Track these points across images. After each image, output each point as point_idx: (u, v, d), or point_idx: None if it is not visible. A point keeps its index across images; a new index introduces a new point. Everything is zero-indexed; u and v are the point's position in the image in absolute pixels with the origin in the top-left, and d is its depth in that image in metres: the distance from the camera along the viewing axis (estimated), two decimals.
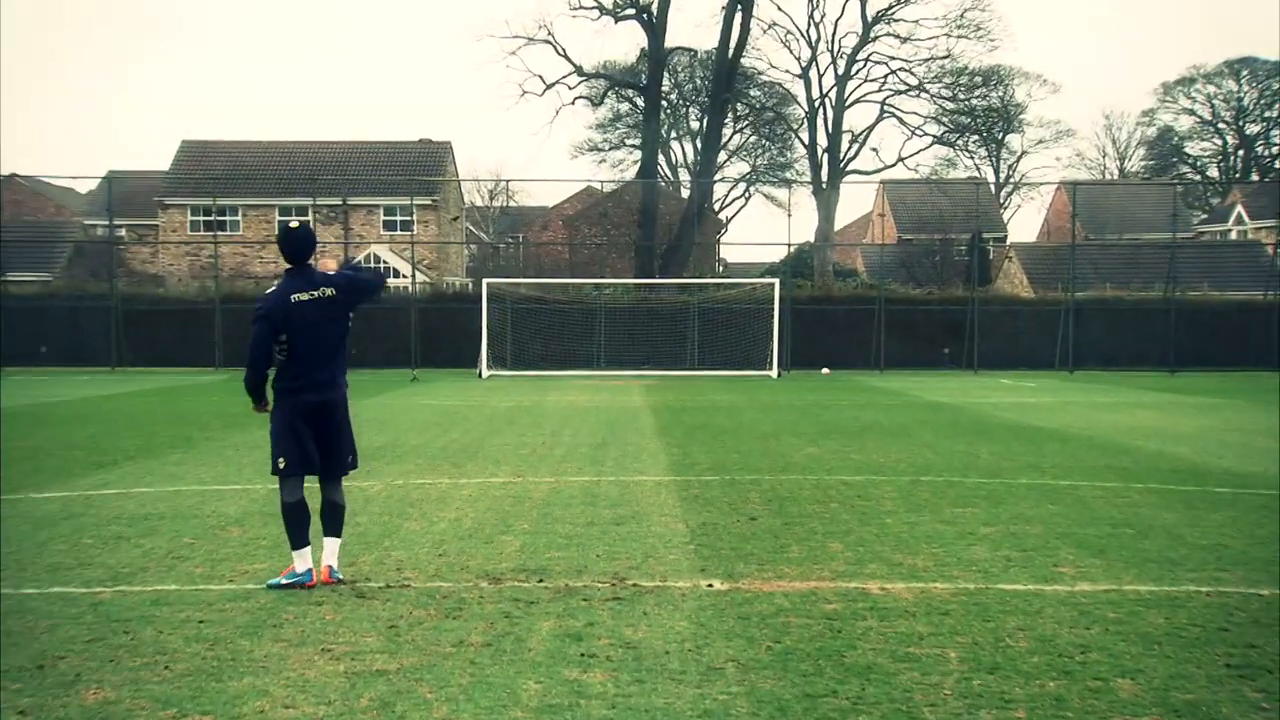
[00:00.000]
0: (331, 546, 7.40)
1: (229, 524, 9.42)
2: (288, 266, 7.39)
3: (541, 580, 7.44)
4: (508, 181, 55.14)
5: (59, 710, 5.07)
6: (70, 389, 27.20)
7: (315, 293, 7.32)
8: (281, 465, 7.26)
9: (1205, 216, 65.91)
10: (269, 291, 7.35)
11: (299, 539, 7.22)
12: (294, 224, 7.45)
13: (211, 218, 46.17)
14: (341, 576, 7.39)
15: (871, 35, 55.75)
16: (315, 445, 7.31)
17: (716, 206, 74.72)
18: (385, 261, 48.84)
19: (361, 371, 36.85)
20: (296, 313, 7.21)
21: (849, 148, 57.65)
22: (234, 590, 7.18)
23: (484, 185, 72.83)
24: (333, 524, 7.44)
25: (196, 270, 48.76)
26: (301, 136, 57.01)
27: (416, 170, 52.60)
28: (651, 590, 7.21)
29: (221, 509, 10.13)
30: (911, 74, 55.94)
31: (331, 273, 7.37)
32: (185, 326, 38.86)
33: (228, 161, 52.39)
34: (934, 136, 57.51)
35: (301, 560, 7.20)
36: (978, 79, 56.70)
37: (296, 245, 7.36)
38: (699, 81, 63.48)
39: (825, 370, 37.29)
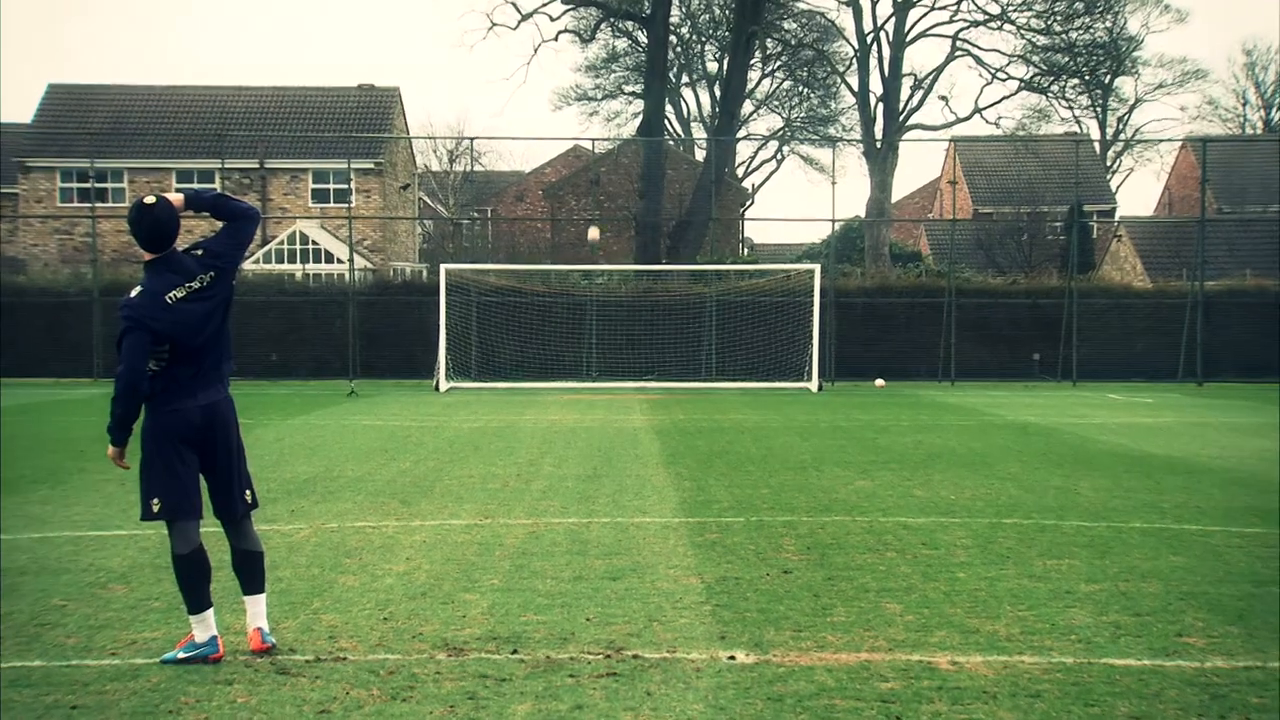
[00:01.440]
0: (256, 606, 7.39)
1: (111, 580, 9.42)
2: (149, 257, 7.13)
3: (515, 651, 7.43)
4: (472, 140, 55.25)
5: None
6: None
7: (193, 284, 7.12)
8: (155, 508, 7.19)
9: None
10: (133, 295, 7.08)
11: (196, 601, 7.20)
12: (150, 199, 7.10)
13: (88, 185, 46.27)
14: (275, 641, 7.38)
15: None
16: (201, 475, 7.27)
17: (740, 172, 74.98)
18: (315, 241, 48.93)
19: (285, 384, 36.95)
20: (178, 315, 7.03)
21: (911, 96, 57.77)
22: (117, 667, 7.17)
23: (442, 145, 73.11)
24: (251, 579, 7.44)
25: (69, 253, 48.88)
26: (206, 80, 57.18)
27: (355, 125, 52.68)
28: (657, 664, 7.19)
29: (101, 561, 10.12)
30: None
31: (204, 241, 7.22)
32: (54, 326, 38.91)
33: (109, 112, 52.52)
34: (1021, 81, 57.62)
35: (202, 627, 7.18)
36: (1078, 5, 56.70)
37: (157, 229, 7.05)
38: (718, 11, 63.62)
39: (879, 382, 37.32)
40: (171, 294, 7.07)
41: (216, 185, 47.77)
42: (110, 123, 51.37)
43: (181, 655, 7.15)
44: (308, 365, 39.21)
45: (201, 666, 7.11)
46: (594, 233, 33.25)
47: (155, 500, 7.25)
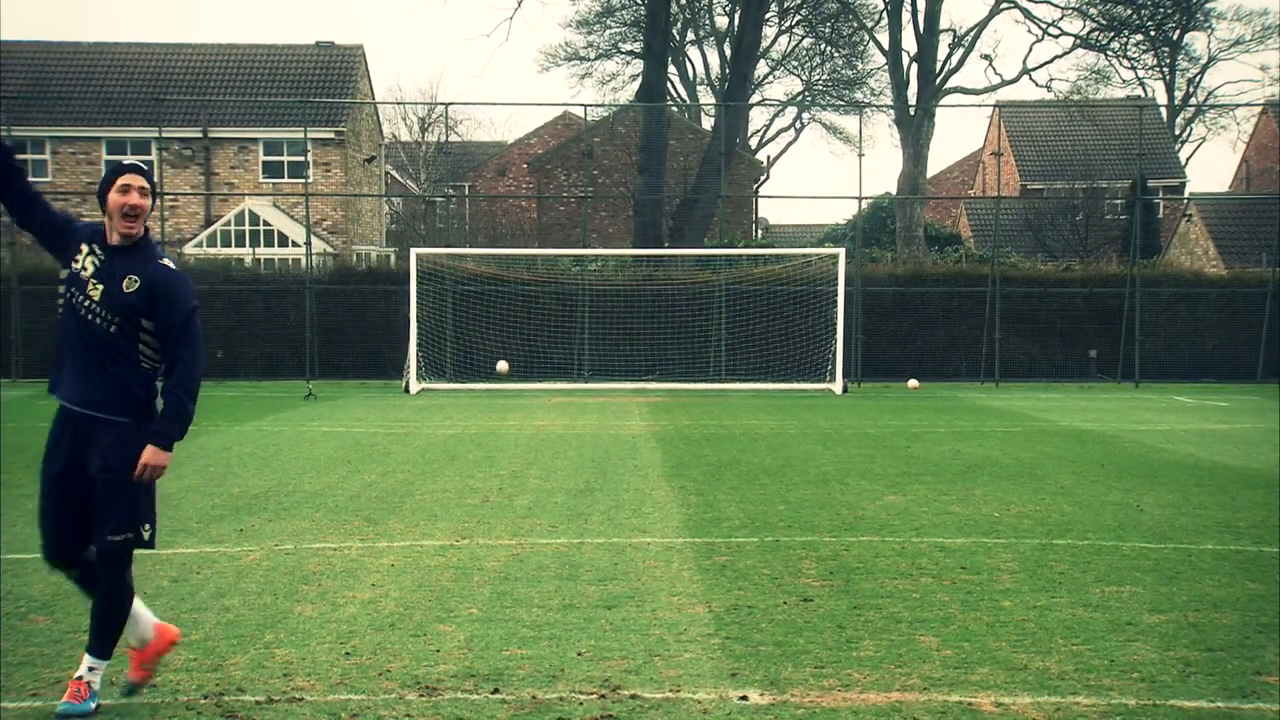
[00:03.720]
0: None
1: (32, 610, 9.43)
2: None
3: (497, 690, 7.45)
4: (446, 106, 55.12)
5: None
6: None
7: None
8: (148, 534, 7.35)
9: None
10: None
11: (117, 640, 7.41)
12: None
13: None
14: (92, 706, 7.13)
15: None
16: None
17: (754, 143, 75.03)
18: (267, 222, 48.94)
19: (233, 385, 36.97)
20: None
21: (949, 55, 57.78)
22: (38, 710, 7.18)
23: (412, 112, 73.11)
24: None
25: None
26: (141, 36, 57.21)
27: (312, 89, 52.69)
28: (658, 704, 7.20)
29: (21, 589, 10.13)
30: None
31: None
32: None
33: (27, 73, 52.49)
34: (1076, 37, 57.60)
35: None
36: None
37: None
38: None
39: (913, 383, 37.36)
40: None
41: (153, 156, 47.81)
42: (29, 85, 51.37)
43: (93, 705, 7.09)
44: (259, 364, 39.23)
45: (136, 709, 7.12)
46: (503, 365, 33.91)
47: (149, 526, 7.31)
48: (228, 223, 49.15)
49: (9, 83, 50.69)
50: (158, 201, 7.63)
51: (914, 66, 56.42)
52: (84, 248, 7.20)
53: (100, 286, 7.14)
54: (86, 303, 7.14)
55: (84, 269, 7.17)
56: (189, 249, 47.72)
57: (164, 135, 44.57)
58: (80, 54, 54.34)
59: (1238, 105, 72.11)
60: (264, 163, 51.33)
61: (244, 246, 47.96)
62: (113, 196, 7.16)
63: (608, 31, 67.71)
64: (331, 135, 51.32)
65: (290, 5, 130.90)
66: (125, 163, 7.37)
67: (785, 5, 60.75)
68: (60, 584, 10.23)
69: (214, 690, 7.45)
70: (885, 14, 58.08)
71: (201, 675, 7.71)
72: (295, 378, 37.28)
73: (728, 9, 65.70)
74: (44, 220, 7.37)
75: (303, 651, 8.28)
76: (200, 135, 50.53)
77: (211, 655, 8.15)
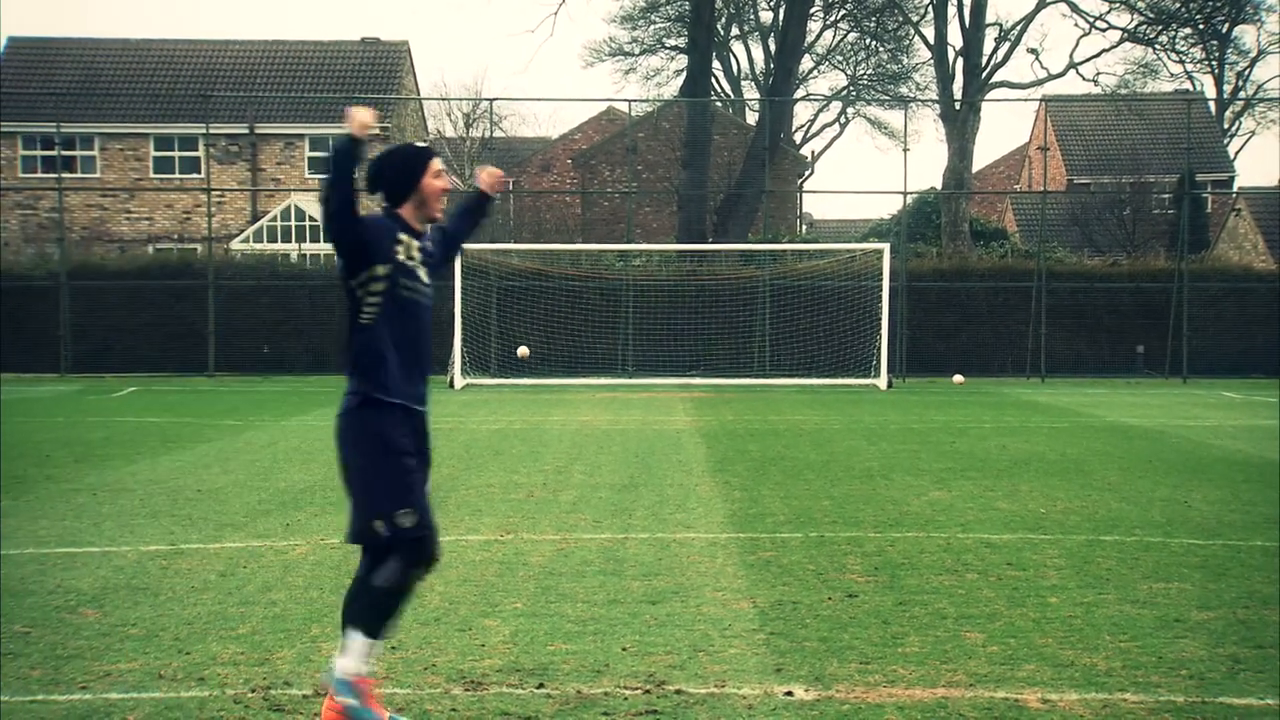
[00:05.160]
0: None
1: (81, 604, 9.48)
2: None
3: (542, 685, 7.46)
4: (491, 102, 55.22)
5: None
6: None
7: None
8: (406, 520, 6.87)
9: None
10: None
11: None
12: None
13: (54, 153, 46.59)
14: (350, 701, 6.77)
15: None
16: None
17: (798, 138, 74.87)
18: (313, 218, 49.16)
19: (279, 379, 37.16)
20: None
21: (995, 49, 57.48)
22: (88, 702, 7.22)
23: (457, 107, 73.27)
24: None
25: (32, 230, 49.25)
26: (189, 33, 57.55)
27: (358, 85, 52.89)
28: (703, 700, 7.20)
29: (71, 582, 10.20)
30: None
31: None
32: (15, 314, 39.25)
33: (78, 70, 52.89)
34: (1124, 31, 57.24)
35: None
36: None
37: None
38: None
39: (958, 378, 37.21)
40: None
41: (200, 152, 48.04)
42: (79, 82, 51.71)
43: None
44: (305, 359, 39.44)
45: (184, 703, 7.16)
46: (523, 351, 33.94)
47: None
48: (274, 218, 49.37)
49: (59, 79, 51.08)
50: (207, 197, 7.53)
51: (959, 61, 56.12)
52: (401, 237, 6.89)
53: (424, 269, 7.03)
54: (421, 287, 6.98)
55: (410, 257, 6.90)
56: (235, 244, 47.98)
57: (211, 131, 44.84)
58: (129, 51, 54.68)
59: None
60: (310, 158, 51.50)
61: (290, 242, 48.16)
62: (429, 181, 6.91)
63: (652, 26, 67.77)
64: (377, 131, 51.37)
65: (337, 2, 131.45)
66: (421, 145, 7.11)
67: (830, 0, 60.57)
68: (110, 578, 10.31)
69: (261, 684, 7.48)
70: (931, 8, 57.78)
71: (249, 669, 7.74)
72: (341, 373, 37.29)
73: (772, 4, 65.62)
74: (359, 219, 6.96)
75: None
76: (247, 131, 50.76)
77: (259, 649, 8.19)
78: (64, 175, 44.85)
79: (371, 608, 6.73)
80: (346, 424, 7.05)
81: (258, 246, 47.72)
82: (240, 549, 11.50)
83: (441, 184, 6.91)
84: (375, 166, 6.97)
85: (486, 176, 7.50)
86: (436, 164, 6.95)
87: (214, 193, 43.98)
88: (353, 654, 6.66)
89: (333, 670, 6.70)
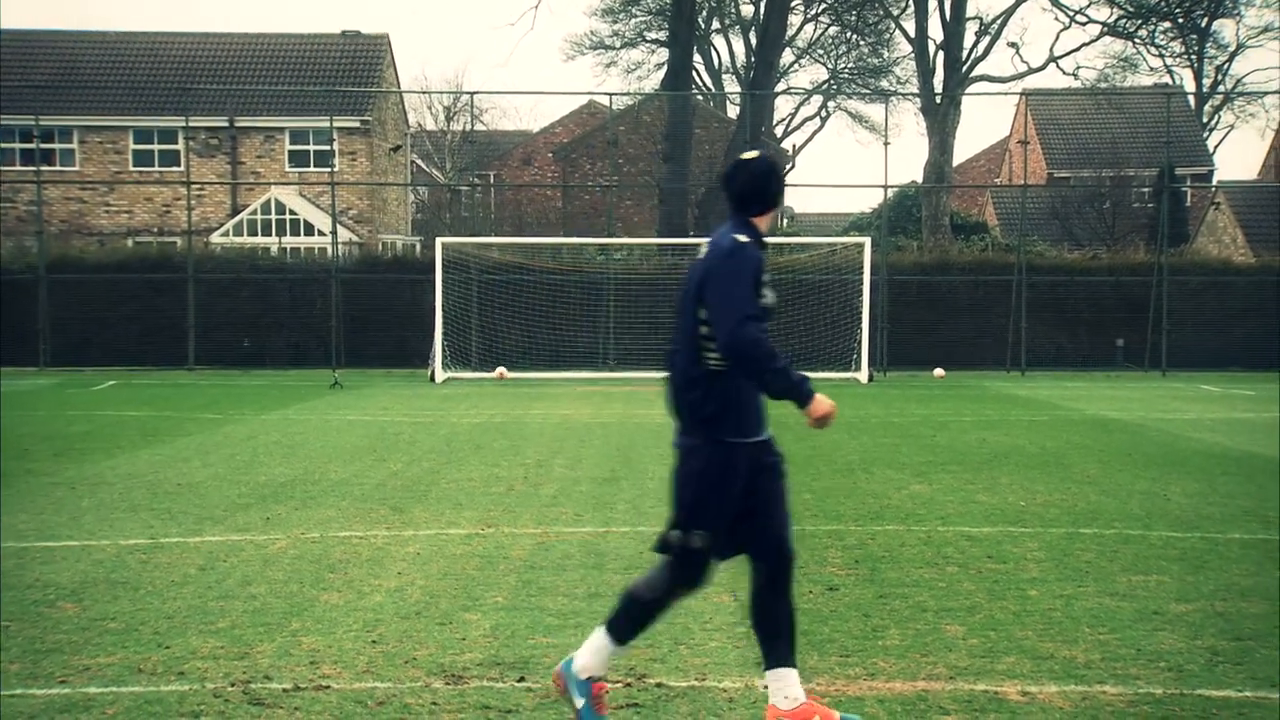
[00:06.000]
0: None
1: (60, 598, 9.47)
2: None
3: (523, 679, 7.46)
4: (472, 95, 55.09)
5: None
6: None
7: None
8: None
9: None
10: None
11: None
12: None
13: (32, 146, 46.43)
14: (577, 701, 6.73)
15: None
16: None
17: (779, 131, 74.86)
18: (293, 211, 49.06)
19: (259, 374, 37.11)
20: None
21: (976, 43, 57.61)
22: (67, 696, 7.21)
23: (438, 100, 73.18)
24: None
25: (10, 223, 49.03)
26: (168, 25, 57.35)
27: (339, 78, 52.75)
28: (683, 693, 7.22)
29: (49, 576, 10.18)
30: None
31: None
32: None
33: (56, 62, 52.66)
34: (1103, 24, 57.42)
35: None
36: None
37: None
38: None
39: (939, 371, 37.28)
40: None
41: (179, 145, 47.88)
42: (58, 74, 51.52)
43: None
44: (285, 353, 39.34)
45: (164, 697, 7.15)
46: (501, 372, 34.11)
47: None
48: (254, 212, 49.25)
49: (37, 71, 50.88)
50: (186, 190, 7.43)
51: (940, 54, 56.21)
52: (765, 278, 6.60)
53: (773, 304, 6.71)
54: (766, 330, 6.59)
55: (770, 300, 6.63)
56: (215, 238, 47.85)
57: (191, 124, 44.65)
58: (107, 43, 54.48)
59: (1266, 93, 71.54)
60: (290, 152, 51.39)
61: (270, 235, 48.00)
62: (783, 199, 6.85)
63: (633, 20, 67.77)
64: (357, 124, 51.37)
65: None
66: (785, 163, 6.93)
67: None
68: (89, 572, 10.29)
69: (241, 678, 7.47)
70: (911, 2, 57.90)
71: (228, 663, 7.74)
72: (321, 366, 37.35)
73: None
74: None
75: (329, 639, 8.30)
76: (227, 124, 50.62)
77: (238, 643, 8.18)
78: (43, 168, 44.66)
79: (627, 613, 6.72)
80: (693, 459, 6.71)
81: (238, 240, 47.59)
82: (220, 543, 11.48)
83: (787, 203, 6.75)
84: (746, 175, 6.79)
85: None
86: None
87: (194, 186, 43.83)
88: (594, 653, 6.67)
89: (570, 662, 6.71)
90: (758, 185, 6.76)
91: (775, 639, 6.71)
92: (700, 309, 6.59)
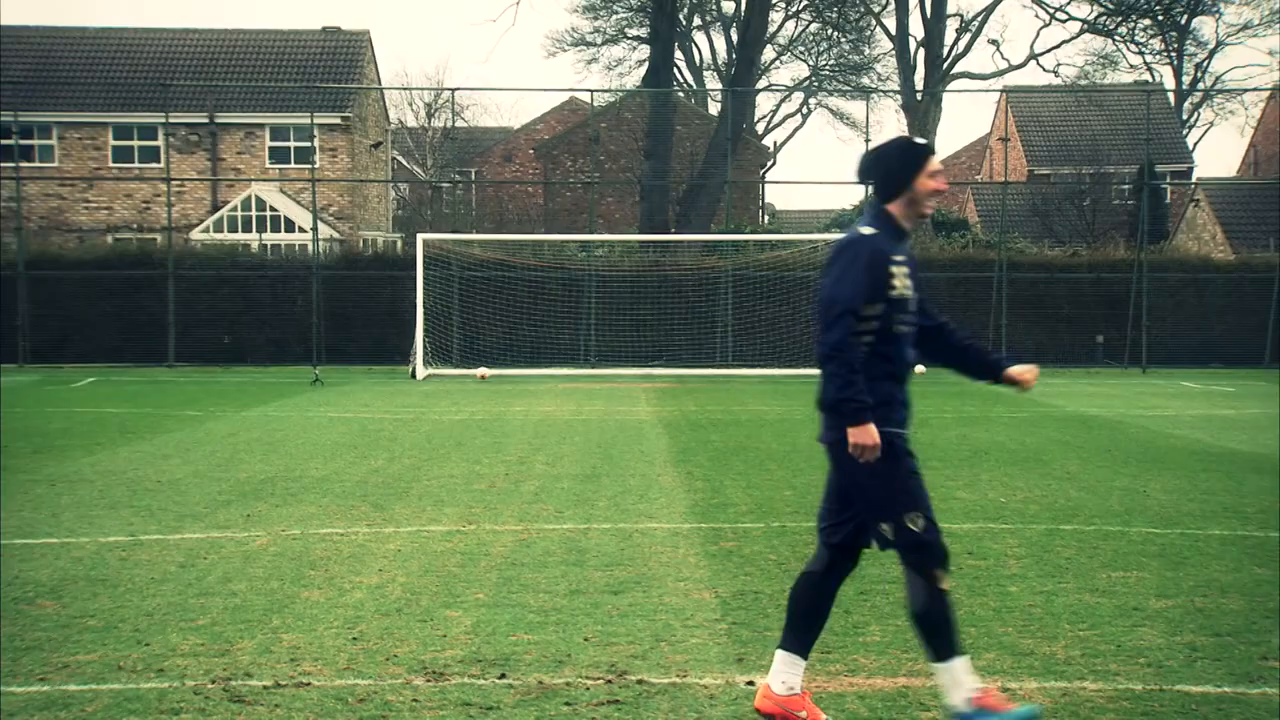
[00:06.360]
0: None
1: (39, 595, 9.43)
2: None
3: (504, 675, 7.46)
4: (453, 92, 55.08)
5: None
6: None
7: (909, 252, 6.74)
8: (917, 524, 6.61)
9: None
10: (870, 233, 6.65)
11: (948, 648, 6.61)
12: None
13: (11, 142, 46.23)
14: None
15: None
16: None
17: (760, 128, 74.92)
18: (274, 207, 48.95)
19: (239, 370, 37.02)
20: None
21: (956, 40, 57.75)
22: (46, 694, 7.19)
23: (419, 97, 73.10)
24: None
25: None
26: (147, 21, 57.16)
27: (319, 74, 52.63)
28: (664, 690, 7.22)
29: (28, 573, 10.14)
30: None
31: None
32: None
33: (34, 58, 52.42)
34: (1084, 22, 57.61)
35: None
36: None
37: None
38: None
39: (919, 368, 37.28)
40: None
41: (159, 141, 47.73)
42: (35, 70, 51.28)
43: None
44: (265, 349, 39.28)
45: (144, 694, 7.13)
46: (483, 371, 34.17)
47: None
48: (234, 208, 49.12)
49: (15, 67, 50.63)
50: (166, 186, 7.39)
51: (921, 52, 56.37)
52: (894, 268, 6.54)
53: (913, 298, 6.64)
54: (908, 319, 6.61)
55: (905, 289, 6.57)
56: (195, 234, 47.72)
57: (170, 120, 44.48)
58: (86, 39, 54.28)
59: (1245, 90, 71.79)
60: (270, 148, 51.26)
61: (251, 232, 47.92)
62: (925, 181, 6.58)
63: (614, 16, 67.57)
64: (338, 121, 51.25)
65: None
66: (921, 142, 6.75)
67: None
68: (68, 569, 10.25)
69: (221, 675, 7.46)
70: None
71: (209, 660, 7.72)
72: (302, 363, 37.28)
73: None
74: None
75: (310, 636, 8.29)
76: (207, 121, 50.46)
77: (219, 640, 8.16)
78: (21, 164, 44.45)
79: (927, 636, 6.55)
80: (844, 448, 6.52)
81: (218, 236, 47.46)
82: (200, 540, 11.45)
83: (936, 184, 6.61)
84: (872, 158, 6.72)
85: (1028, 376, 7.02)
86: (934, 163, 6.64)
87: (173, 182, 43.71)
88: (954, 682, 6.49)
89: (954, 708, 6.50)
90: (880, 168, 6.66)
91: (805, 620, 6.72)
92: None
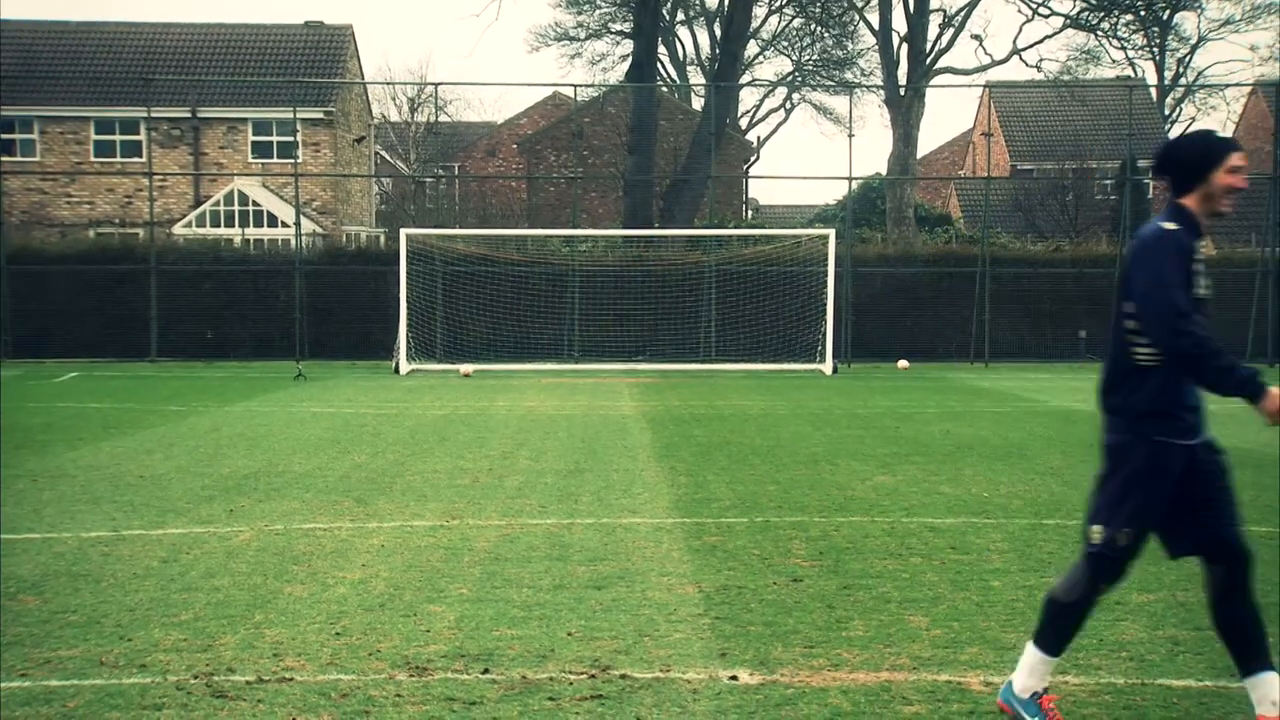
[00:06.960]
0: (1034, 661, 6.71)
1: (21, 590, 9.42)
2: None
3: (487, 670, 7.46)
4: (436, 86, 55.14)
5: None
6: None
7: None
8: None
9: None
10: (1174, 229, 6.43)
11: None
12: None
13: None
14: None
15: None
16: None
17: (744, 123, 74.94)
18: (256, 202, 48.86)
19: (222, 365, 36.96)
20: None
21: (939, 35, 57.73)
22: (28, 690, 7.17)
23: (401, 92, 72.97)
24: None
25: None
26: (130, 15, 57.00)
27: (302, 69, 52.54)
28: (648, 684, 7.22)
29: (10, 569, 10.12)
30: None
31: None
32: None
33: (16, 52, 52.26)
34: (1066, 17, 57.56)
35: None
36: None
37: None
38: None
39: (902, 363, 37.38)
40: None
41: (141, 136, 47.60)
42: (17, 64, 51.06)
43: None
44: (248, 344, 39.22)
45: (126, 690, 7.12)
46: (466, 369, 34.24)
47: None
48: (217, 203, 49.02)
49: None
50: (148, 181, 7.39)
51: (904, 46, 56.32)
52: (1198, 267, 6.39)
53: (1208, 294, 6.46)
54: (1203, 319, 6.37)
55: (1206, 289, 6.43)
56: (178, 229, 47.62)
57: (153, 115, 44.36)
58: (69, 33, 54.14)
59: (1227, 85, 72.18)
60: (253, 143, 51.17)
61: (233, 227, 47.83)
62: (1224, 176, 6.36)
63: (597, 11, 67.53)
64: (321, 115, 51.19)
65: None
66: (1224, 138, 6.54)
67: None
68: (50, 564, 10.23)
69: (204, 670, 7.45)
70: None
71: (191, 655, 7.71)
72: (285, 358, 37.22)
73: None
74: None
75: (293, 631, 8.28)
76: (189, 115, 50.36)
77: (201, 635, 8.15)
78: (3, 159, 44.37)
79: (1049, 619, 6.58)
80: (1125, 457, 6.49)
81: (200, 231, 47.38)
82: (183, 535, 11.43)
83: (1234, 180, 6.40)
84: (1169, 150, 6.55)
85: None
86: (1236, 159, 6.40)
87: (156, 177, 43.60)
88: (1030, 672, 6.54)
89: (1009, 688, 6.58)
90: (1174, 160, 6.50)
91: (1244, 645, 6.52)
92: (1126, 302, 6.44)
